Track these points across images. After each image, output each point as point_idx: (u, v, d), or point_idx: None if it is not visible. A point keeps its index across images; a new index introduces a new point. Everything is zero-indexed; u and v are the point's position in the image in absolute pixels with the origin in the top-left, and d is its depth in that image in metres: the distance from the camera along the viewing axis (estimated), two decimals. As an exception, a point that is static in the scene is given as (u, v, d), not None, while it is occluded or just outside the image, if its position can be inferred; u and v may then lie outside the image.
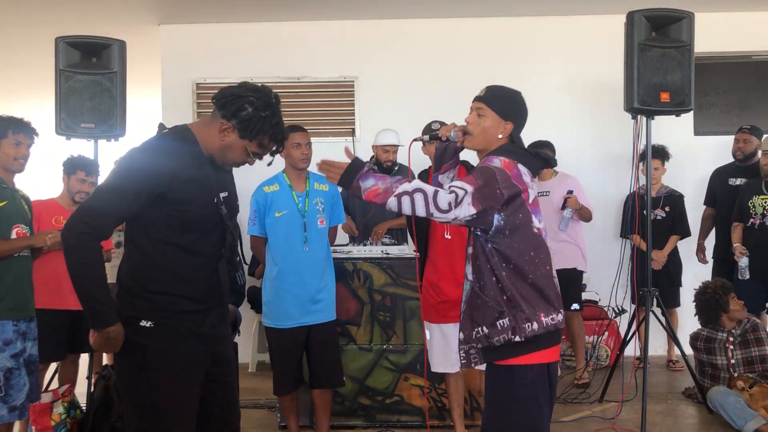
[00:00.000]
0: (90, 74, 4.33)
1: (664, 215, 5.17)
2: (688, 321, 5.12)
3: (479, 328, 2.19)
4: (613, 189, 5.72)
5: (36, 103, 8.06)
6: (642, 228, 4.62)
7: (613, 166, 5.80)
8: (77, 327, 3.96)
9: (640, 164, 4.90)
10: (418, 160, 3.31)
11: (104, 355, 4.97)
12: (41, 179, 6.61)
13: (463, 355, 2.25)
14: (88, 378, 4.24)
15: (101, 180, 4.62)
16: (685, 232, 5.23)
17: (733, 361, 4.27)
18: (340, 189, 2.94)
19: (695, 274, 5.48)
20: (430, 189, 2.09)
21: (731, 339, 4.30)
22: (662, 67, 4.07)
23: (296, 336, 3.59)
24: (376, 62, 6.06)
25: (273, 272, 3.60)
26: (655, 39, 4.10)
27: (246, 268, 5.11)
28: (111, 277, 5.59)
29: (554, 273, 2.27)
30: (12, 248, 3.23)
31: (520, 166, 2.22)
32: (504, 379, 2.19)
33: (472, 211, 2.08)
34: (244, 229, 3.47)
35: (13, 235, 3.27)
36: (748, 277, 4.58)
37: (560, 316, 2.24)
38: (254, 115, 2.15)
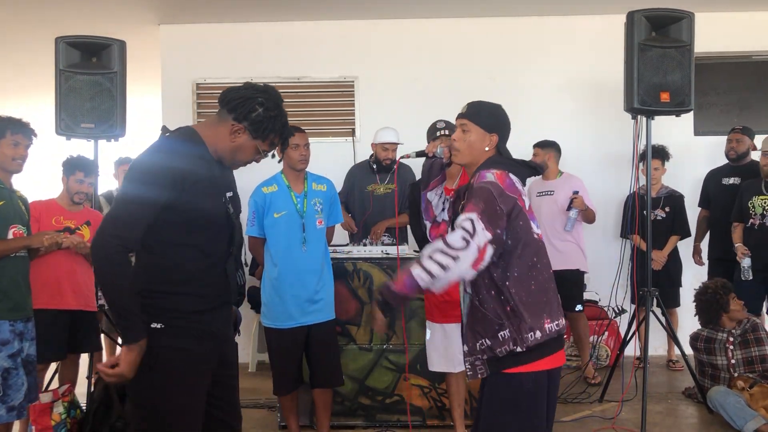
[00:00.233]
0: (90, 74, 4.34)
1: (664, 215, 5.17)
2: (688, 321, 5.11)
3: (483, 340, 2.19)
4: (613, 189, 5.72)
5: (36, 103, 8.06)
6: (642, 228, 4.62)
7: (613, 166, 5.80)
8: (77, 327, 3.97)
9: (640, 164, 4.91)
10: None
11: (104, 355, 4.97)
12: (41, 179, 6.60)
13: (469, 366, 2.25)
14: (88, 378, 4.24)
15: (100, 181, 4.63)
16: (685, 233, 5.24)
17: (733, 361, 4.27)
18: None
19: (695, 274, 5.48)
20: (437, 243, 2.07)
21: (731, 339, 4.30)
22: (662, 67, 4.07)
23: (296, 336, 3.59)
24: (376, 62, 6.06)
25: (272, 273, 3.61)
26: (655, 39, 4.10)
27: (246, 268, 5.11)
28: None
29: (553, 277, 2.28)
30: (8, 248, 3.22)
31: (511, 176, 2.25)
32: (504, 385, 2.18)
33: (489, 235, 2.07)
34: (243, 230, 3.47)
35: (10, 236, 3.27)
36: (751, 277, 4.58)
37: (562, 321, 2.24)
38: (265, 115, 2.17)
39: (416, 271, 2.06)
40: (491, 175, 2.20)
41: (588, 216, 4.97)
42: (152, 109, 7.40)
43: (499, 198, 2.13)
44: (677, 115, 4.25)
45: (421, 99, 5.94)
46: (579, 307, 4.97)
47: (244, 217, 3.57)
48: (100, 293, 4.51)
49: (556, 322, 2.21)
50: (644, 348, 4.24)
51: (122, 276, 2.01)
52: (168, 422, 2.15)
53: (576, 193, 4.85)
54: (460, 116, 2.38)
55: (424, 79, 6.01)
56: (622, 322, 5.08)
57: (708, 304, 4.39)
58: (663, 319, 4.53)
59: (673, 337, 4.79)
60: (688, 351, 4.48)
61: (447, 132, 3.44)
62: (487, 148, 2.32)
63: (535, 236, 2.23)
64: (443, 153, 2.46)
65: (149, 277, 2.14)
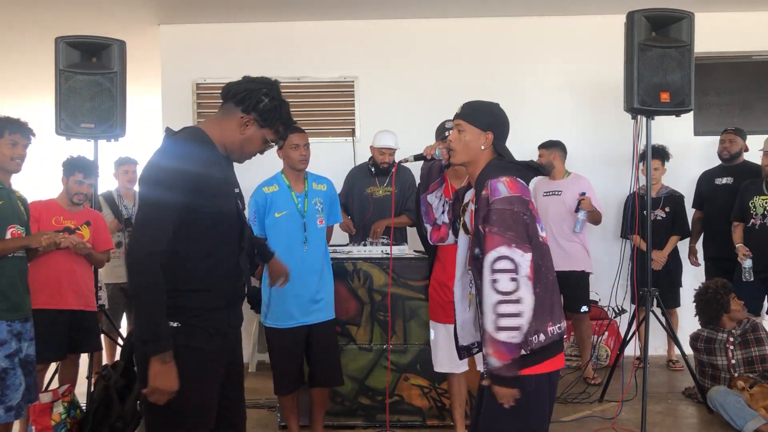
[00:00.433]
0: (90, 74, 4.34)
1: (664, 215, 5.17)
2: (688, 321, 5.12)
3: None
4: (613, 189, 5.72)
5: (36, 103, 8.06)
6: (642, 228, 4.62)
7: (613, 166, 5.80)
8: (77, 327, 3.97)
9: (640, 164, 4.91)
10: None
11: (104, 355, 4.98)
12: (41, 179, 6.61)
13: (486, 370, 2.23)
14: (88, 378, 4.25)
15: (99, 181, 4.62)
16: (685, 233, 5.25)
17: (733, 361, 4.27)
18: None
19: (695, 274, 5.49)
20: (492, 297, 2.06)
21: (731, 339, 4.29)
22: (662, 67, 4.07)
23: (297, 336, 3.60)
24: (376, 62, 6.06)
25: (273, 272, 3.60)
26: (655, 39, 4.10)
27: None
28: (111, 277, 5.60)
29: (556, 279, 2.27)
30: (6, 249, 3.22)
31: (519, 180, 2.22)
32: None
33: (529, 255, 2.07)
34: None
35: (8, 236, 3.26)
36: (752, 279, 4.58)
37: (564, 324, 2.24)
38: (271, 105, 2.24)
39: (501, 336, 2.05)
40: (503, 187, 2.16)
41: (595, 217, 4.97)
42: (152, 109, 7.40)
43: (520, 208, 2.13)
44: (677, 115, 4.25)
45: (421, 99, 5.94)
46: (585, 308, 4.97)
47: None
48: (100, 293, 4.52)
49: (558, 325, 2.20)
50: (644, 348, 4.24)
51: (156, 284, 2.03)
52: (182, 420, 2.17)
53: (583, 194, 4.84)
54: (455, 117, 2.38)
55: (424, 79, 6.01)
56: (622, 322, 5.08)
57: (708, 304, 4.38)
58: (663, 319, 4.53)
59: (673, 337, 4.79)
60: (688, 351, 4.48)
61: None
62: (483, 147, 2.30)
63: (541, 239, 2.22)
64: (442, 155, 2.45)
65: (167, 274, 2.12)
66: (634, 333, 4.45)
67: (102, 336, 4.59)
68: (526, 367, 2.14)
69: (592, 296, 5.50)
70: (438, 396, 4.04)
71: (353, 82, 6.09)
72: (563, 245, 4.92)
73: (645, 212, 4.46)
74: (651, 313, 4.36)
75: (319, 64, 6.06)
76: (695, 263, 5.43)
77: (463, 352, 2.49)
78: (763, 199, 4.67)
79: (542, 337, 2.14)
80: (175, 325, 2.11)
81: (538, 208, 2.31)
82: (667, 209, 5.18)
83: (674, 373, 5.37)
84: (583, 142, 5.91)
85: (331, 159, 5.55)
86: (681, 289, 5.32)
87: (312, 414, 3.79)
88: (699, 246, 5.45)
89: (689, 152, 5.80)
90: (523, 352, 2.12)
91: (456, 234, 2.52)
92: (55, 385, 4.13)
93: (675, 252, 5.25)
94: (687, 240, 5.33)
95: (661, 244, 5.09)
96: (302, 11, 5.84)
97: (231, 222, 2.25)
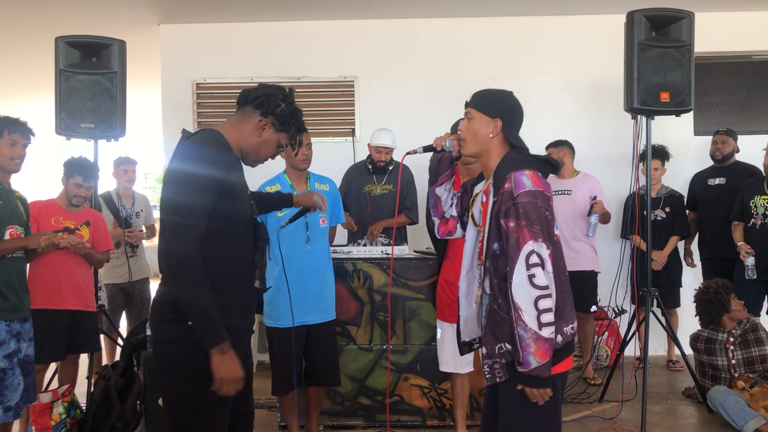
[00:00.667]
0: (90, 74, 4.34)
1: (664, 216, 5.17)
2: (688, 321, 5.12)
3: (501, 344, 2.15)
4: (613, 189, 5.71)
5: (36, 103, 8.06)
6: (642, 228, 4.62)
7: (613, 166, 5.80)
8: (77, 327, 3.96)
9: (640, 164, 4.91)
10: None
11: (104, 355, 4.98)
12: (41, 179, 6.61)
13: (488, 369, 2.20)
14: (88, 378, 4.25)
15: (99, 181, 4.60)
16: (685, 233, 5.25)
17: (733, 361, 4.27)
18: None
19: (695, 274, 5.49)
20: (531, 293, 2.03)
21: (732, 339, 4.29)
22: (662, 67, 4.07)
23: (298, 335, 3.59)
24: (376, 62, 6.06)
25: (275, 272, 3.60)
26: (655, 39, 4.10)
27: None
28: (110, 277, 5.59)
29: (568, 279, 2.24)
30: (4, 249, 3.21)
31: (541, 175, 2.17)
32: (524, 390, 2.14)
33: (549, 251, 2.06)
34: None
35: (6, 236, 3.26)
36: (755, 276, 4.57)
37: (575, 323, 2.21)
38: (288, 110, 2.33)
39: (545, 332, 2.02)
40: (526, 179, 2.11)
41: (605, 218, 4.94)
42: (152, 109, 7.41)
43: (544, 203, 2.10)
44: (677, 115, 4.25)
45: (420, 99, 5.94)
46: (593, 308, 4.96)
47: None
48: (99, 293, 4.52)
49: (571, 326, 2.18)
50: (644, 348, 4.24)
51: (201, 283, 2.07)
52: (198, 417, 2.20)
53: (594, 197, 4.82)
54: (465, 105, 2.33)
55: (423, 78, 6.02)
56: (622, 322, 5.08)
57: (709, 304, 4.38)
58: (663, 319, 4.53)
59: (673, 338, 4.79)
60: (688, 351, 4.48)
61: None
62: (491, 135, 2.25)
63: (555, 238, 2.17)
64: (452, 146, 2.39)
65: None
66: (634, 333, 4.45)
67: (102, 336, 4.59)
68: None
69: (593, 296, 5.51)
70: (438, 396, 4.04)
71: (353, 82, 6.09)
72: (572, 245, 4.91)
73: (645, 212, 4.46)
74: (651, 313, 4.36)
75: (319, 64, 6.06)
76: (691, 264, 5.45)
77: (465, 347, 2.46)
78: (764, 199, 4.67)
79: (559, 338, 2.12)
80: None
81: None
82: (667, 209, 5.18)
83: (674, 373, 5.37)
84: (583, 142, 5.89)
85: (331, 159, 5.55)
86: (681, 289, 5.32)
87: (308, 413, 3.79)
88: (694, 247, 5.46)
89: (689, 152, 5.80)
90: None
91: (464, 228, 2.47)
92: (54, 385, 4.13)
93: (675, 252, 5.25)
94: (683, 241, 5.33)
95: (661, 244, 5.10)
96: (302, 11, 5.84)
97: (246, 223, 2.32)
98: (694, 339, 4.46)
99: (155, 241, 6.48)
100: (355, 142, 6.00)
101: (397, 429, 4.06)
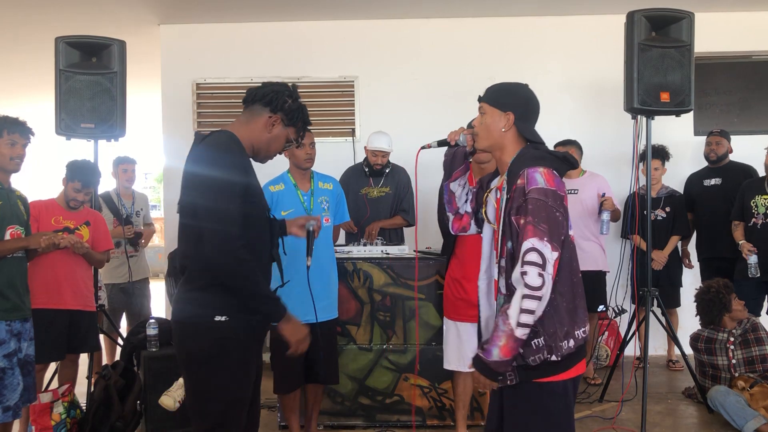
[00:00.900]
0: (90, 74, 4.34)
1: (664, 215, 5.17)
2: (688, 321, 5.12)
3: None
4: (614, 189, 5.67)
5: (36, 103, 8.06)
6: (642, 228, 4.62)
7: (613, 166, 5.80)
8: (76, 327, 3.96)
9: (640, 164, 4.91)
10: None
11: (104, 355, 4.98)
12: (41, 179, 6.61)
13: None
14: (88, 378, 4.25)
15: (97, 187, 4.56)
16: (685, 233, 5.25)
17: (734, 361, 4.26)
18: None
19: (695, 274, 5.48)
20: (519, 290, 1.98)
21: (732, 339, 4.29)
22: (662, 67, 4.07)
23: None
24: (376, 62, 6.06)
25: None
26: (655, 39, 4.10)
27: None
28: (110, 277, 5.58)
29: (581, 280, 2.19)
30: (5, 250, 3.21)
31: (556, 173, 2.10)
32: (535, 394, 2.10)
33: (556, 254, 2.00)
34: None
35: (7, 237, 3.26)
36: (758, 274, 4.57)
37: (587, 326, 2.16)
38: (295, 105, 2.42)
39: (518, 332, 1.98)
40: (540, 176, 2.05)
41: (615, 215, 4.89)
42: (152, 109, 7.41)
43: (555, 204, 2.03)
44: (677, 115, 4.25)
45: (420, 99, 5.94)
46: (601, 308, 4.93)
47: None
48: (99, 293, 4.52)
49: (583, 329, 2.12)
50: (644, 348, 4.24)
51: (257, 278, 2.22)
52: (231, 411, 2.28)
53: (603, 195, 4.81)
54: (478, 100, 2.29)
55: (423, 78, 6.02)
56: (622, 322, 5.08)
57: (711, 303, 4.37)
58: (663, 319, 4.53)
59: (673, 337, 4.79)
60: (688, 351, 4.48)
61: None
62: (503, 129, 2.19)
63: (569, 238, 2.13)
64: (466, 141, 2.36)
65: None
66: (634, 333, 4.45)
67: (102, 336, 4.59)
68: (558, 373, 2.07)
69: (592, 296, 5.51)
70: (438, 396, 4.04)
71: (353, 82, 6.09)
72: (581, 245, 4.88)
73: (645, 212, 4.46)
74: (651, 313, 4.36)
75: (319, 64, 6.06)
76: (689, 265, 5.45)
77: None
78: (764, 199, 4.67)
79: (572, 342, 2.07)
80: (223, 319, 2.24)
81: None
82: (667, 209, 5.18)
83: (674, 373, 5.37)
84: (583, 142, 5.87)
85: (331, 159, 5.54)
86: (681, 289, 5.32)
87: (306, 412, 3.79)
88: (692, 248, 5.47)
89: (689, 152, 5.80)
90: (553, 357, 2.04)
91: (478, 224, 2.43)
92: (54, 385, 4.13)
93: (675, 252, 5.25)
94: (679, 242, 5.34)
95: (661, 244, 5.09)
96: (302, 11, 5.84)
97: (264, 221, 2.41)
98: (694, 339, 4.46)
99: (156, 240, 6.47)
100: (355, 142, 6.00)
101: (397, 429, 4.06)
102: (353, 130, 6.06)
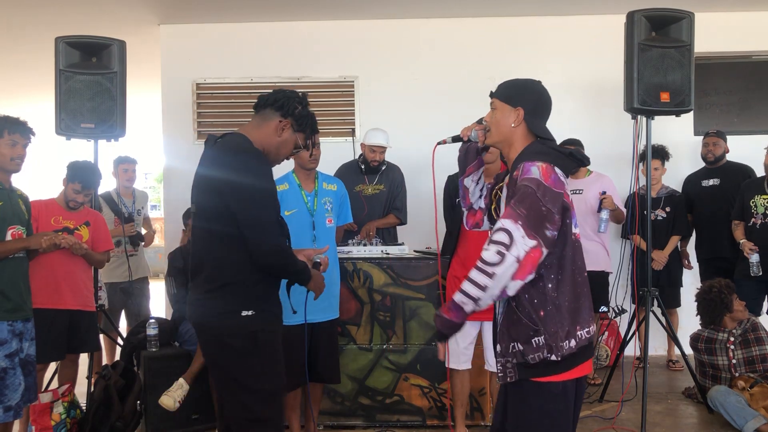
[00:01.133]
0: (90, 74, 4.34)
1: (664, 215, 5.17)
2: (688, 321, 5.12)
3: (514, 344, 2.08)
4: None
5: (36, 103, 8.06)
6: (642, 228, 4.62)
7: (613, 166, 5.79)
8: (76, 327, 3.96)
9: (640, 164, 4.90)
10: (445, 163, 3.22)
11: (104, 355, 4.98)
12: (41, 179, 6.61)
13: (500, 368, 2.14)
14: (88, 378, 4.25)
15: (97, 189, 4.56)
16: (685, 232, 5.25)
17: (734, 361, 4.26)
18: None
19: (695, 274, 5.48)
20: (477, 265, 1.96)
21: (732, 339, 4.29)
22: (662, 67, 4.07)
23: (301, 333, 3.59)
24: (376, 62, 6.06)
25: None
26: (655, 39, 4.11)
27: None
28: (110, 276, 5.58)
29: (587, 280, 2.17)
30: (6, 250, 3.21)
31: (557, 169, 2.08)
32: (533, 393, 2.08)
33: (531, 242, 1.93)
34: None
35: (8, 237, 3.25)
36: (761, 273, 4.57)
37: (593, 327, 2.13)
38: (305, 112, 2.54)
39: (458, 297, 1.99)
40: (536, 169, 2.03)
41: (617, 216, 4.86)
42: (152, 109, 7.41)
43: (544, 197, 1.98)
44: (677, 115, 4.25)
45: (420, 99, 5.94)
46: (603, 308, 4.93)
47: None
48: (99, 293, 4.52)
49: (587, 329, 2.09)
50: (644, 348, 4.24)
51: (296, 263, 2.49)
52: (273, 398, 2.41)
53: (604, 193, 4.80)
54: (490, 96, 2.29)
55: (423, 78, 6.02)
56: (622, 322, 5.07)
57: (712, 303, 4.36)
58: (663, 319, 4.53)
59: (673, 337, 4.79)
60: (688, 351, 4.48)
61: None
62: (513, 124, 2.19)
63: (573, 236, 2.10)
64: (477, 136, 2.36)
65: (241, 267, 2.38)
66: (634, 333, 4.45)
67: (102, 336, 4.59)
68: (558, 373, 2.05)
69: (593, 296, 5.50)
70: (438, 396, 4.04)
71: (353, 82, 6.09)
72: (585, 245, 4.85)
73: (645, 212, 4.46)
74: (651, 313, 4.36)
75: (319, 64, 6.06)
76: (688, 266, 5.45)
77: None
78: (764, 198, 4.67)
79: (573, 342, 2.04)
80: (249, 313, 2.36)
81: None
82: (667, 209, 5.18)
83: (674, 373, 5.37)
84: (583, 142, 5.88)
85: (332, 159, 5.52)
86: (681, 289, 5.32)
87: (306, 412, 3.79)
88: (690, 248, 5.47)
89: (689, 152, 5.80)
90: (552, 357, 2.02)
91: (491, 220, 2.42)
92: (54, 385, 4.13)
93: (675, 252, 5.25)
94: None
95: (661, 244, 5.09)
96: (302, 11, 5.84)
97: (281, 223, 2.53)
98: (695, 339, 4.46)
99: (156, 240, 6.48)
100: (355, 142, 6.00)
101: (397, 429, 4.06)
102: (353, 130, 6.06)
